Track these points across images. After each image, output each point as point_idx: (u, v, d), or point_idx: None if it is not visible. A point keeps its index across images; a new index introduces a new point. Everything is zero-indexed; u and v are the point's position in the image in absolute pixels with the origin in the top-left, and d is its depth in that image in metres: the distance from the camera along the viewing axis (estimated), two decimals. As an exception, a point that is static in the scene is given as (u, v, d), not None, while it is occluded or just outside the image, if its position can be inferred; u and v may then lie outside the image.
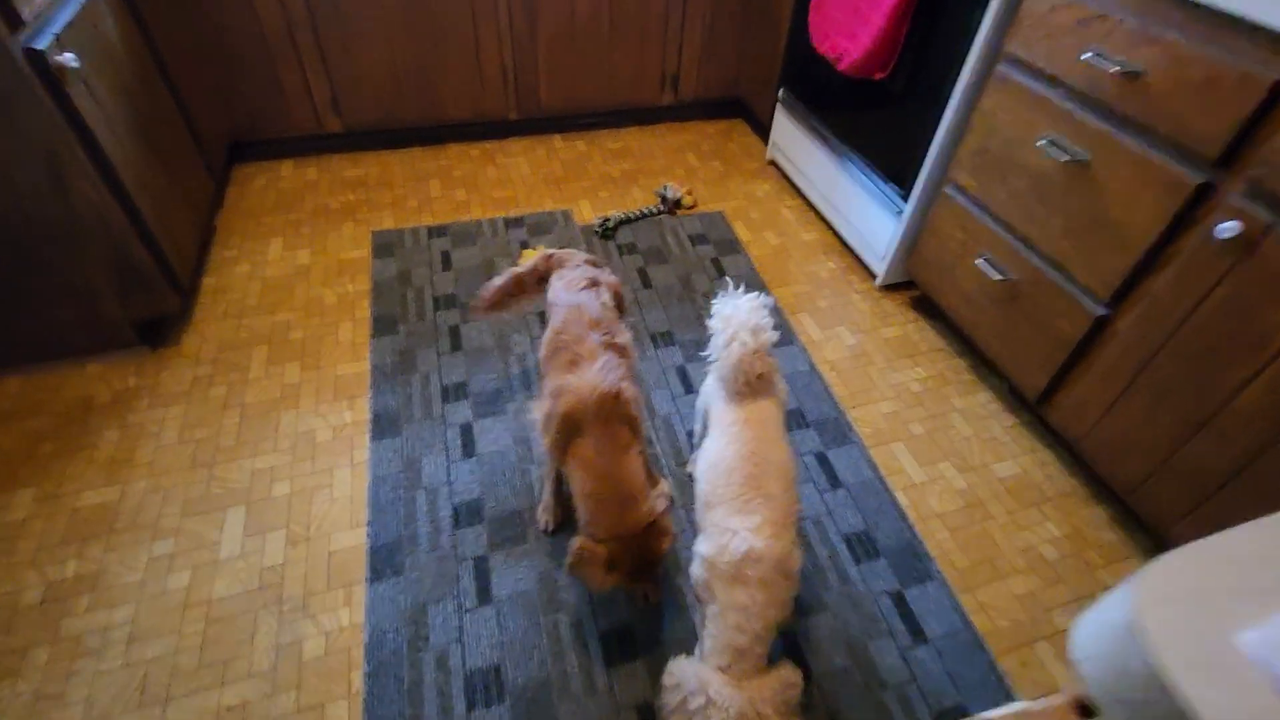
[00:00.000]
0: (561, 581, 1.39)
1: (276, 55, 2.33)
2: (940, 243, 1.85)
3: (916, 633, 1.34)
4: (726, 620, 0.99)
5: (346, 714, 1.19)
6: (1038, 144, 1.47)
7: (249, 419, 1.68)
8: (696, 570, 1.09)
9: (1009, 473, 1.66)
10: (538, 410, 1.31)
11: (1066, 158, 1.41)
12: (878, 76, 1.92)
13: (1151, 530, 1.52)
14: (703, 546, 1.09)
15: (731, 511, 1.05)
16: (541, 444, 1.34)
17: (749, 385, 1.16)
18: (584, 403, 1.19)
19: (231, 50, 2.28)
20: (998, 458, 1.69)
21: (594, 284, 1.45)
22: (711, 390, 1.27)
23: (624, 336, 1.37)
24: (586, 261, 1.55)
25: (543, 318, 1.98)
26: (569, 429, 1.20)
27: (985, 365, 1.93)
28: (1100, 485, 1.63)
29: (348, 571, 1.39)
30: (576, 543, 1.16)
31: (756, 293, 1.24)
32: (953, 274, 1.83)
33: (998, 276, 1.64)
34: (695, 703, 0.93)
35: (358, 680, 1.23)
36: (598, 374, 1.22)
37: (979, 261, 1.70)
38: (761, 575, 1.00)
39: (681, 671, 0.99)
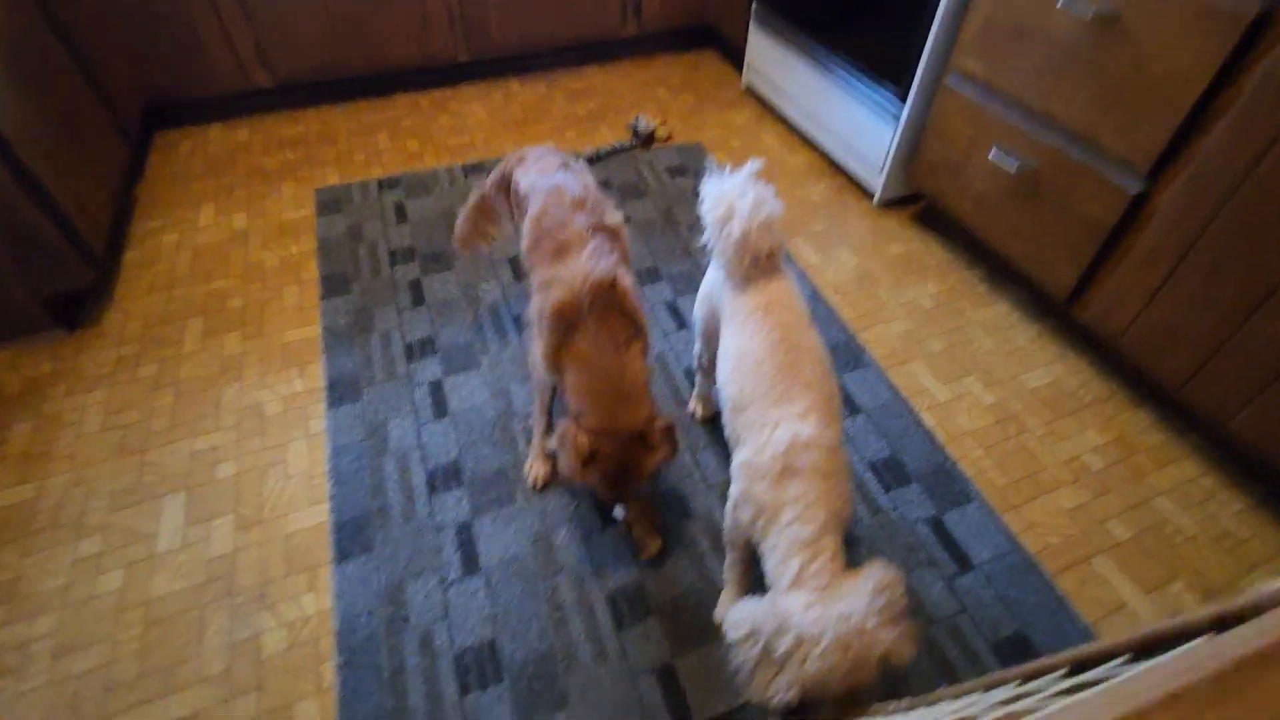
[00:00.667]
0: (558, 541, 1.22)
1: (188, 1, 2.06)
2: (946, 142, 1.68)
3: (961, 560, 1.19)
4: (781, 520, 0.81)
5: (318, 713, 1.01)
6: (1058, 5, 1.29)
7: (184, 397, 1.47)
8: (735, 489, 0.92)
9: (1040, 382, 1.51)
10: (529, 313, 1.16)
11: (1093, 12, 1.23)
12: (862, -38, 1.73)
13: (1204, 427, 1.39)
14: (740, 454, 0.92)
15: (768, 405, 0.88)
16: (533, 367, 1.18)
17: (758, 266, 0.98)
18: (576, 295, 1.04)
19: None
20: (1026, 368, 1.54)
21: (567, 166, 1.27)
22: (716, 285, 1.09)
23: (614, 217, 1.20)
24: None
25: (516, 266, 1.79)
26: (562, 326, 1.05)
27: (1001, 274, 1.77)
28: (1142, 385, 1.49)
29: (310, 554, 1.20)
30: (562, 424, 1.05)
31: (751, 161, 1.05)
32: (962, 174, 1.66)
33: (1015, 166, 1.47)
34: (782, 645, 0.71)
35: (329, 673, 1.05)
36: (587, 262, 1.06)
37: (992, 155, 1.53)
38: (814, 462, 0.83)
39: (750, 615, 0.77)
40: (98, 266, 1.60)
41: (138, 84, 2.14)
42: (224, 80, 2.26)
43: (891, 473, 1.32)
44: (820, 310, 1.68)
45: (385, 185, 2.08)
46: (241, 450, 1.37)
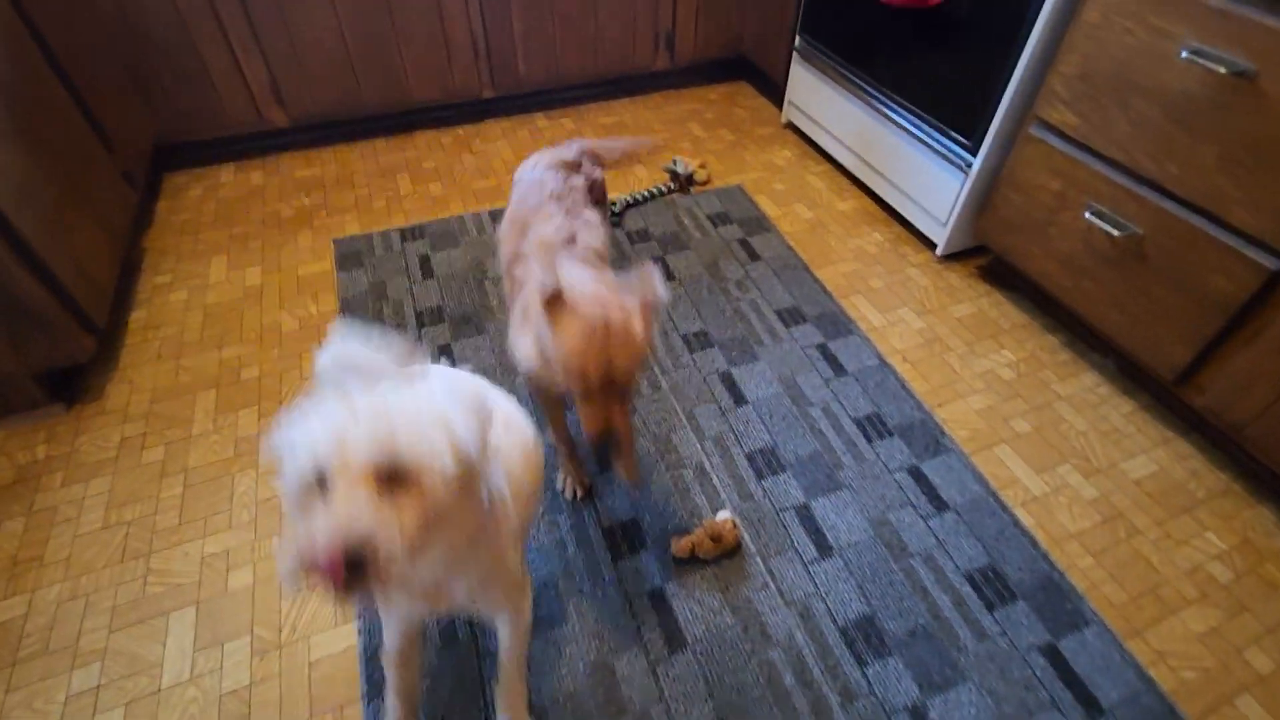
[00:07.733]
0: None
1: (197, 34, 1.93)
2: (1026, 197, 1.53)
3: (1088, 701, 1.03)
4: None
5: None
6: (1180, 57, 1.15)
7: (194, 489, 1.32)
8: None
9: (1144, 472, 1.35)
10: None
11: (1223, 70, 1.09)
12: (932, 2, 1.59)
13: (1340, 532, 1.23)
14: None
15: None
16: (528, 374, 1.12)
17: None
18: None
19: (140, 31, 1.88)
20: (1126, 454, 1.39)
21: (568, 166, 1.27)
22: None
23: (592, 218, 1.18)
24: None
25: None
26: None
27: (1084, 340, 1.62)
28: (1260, 478, 1.33)
29: (337, 689, 1.05)
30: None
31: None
32: (1044, 234, 1.52)
33: (1115, 232, 1.33)
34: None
35: None
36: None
37: (1088, 215, 1.38)
38: None
39: None
40: (100, 336, 1.46)
41: (145, 126, 2.01)
42: (237, 119, 2.13)
43: (993, 587, 1.17)
44: (889, 384, 1.53)
45: (409, 235, 1.94)
46: (258, 555, 1.22)
